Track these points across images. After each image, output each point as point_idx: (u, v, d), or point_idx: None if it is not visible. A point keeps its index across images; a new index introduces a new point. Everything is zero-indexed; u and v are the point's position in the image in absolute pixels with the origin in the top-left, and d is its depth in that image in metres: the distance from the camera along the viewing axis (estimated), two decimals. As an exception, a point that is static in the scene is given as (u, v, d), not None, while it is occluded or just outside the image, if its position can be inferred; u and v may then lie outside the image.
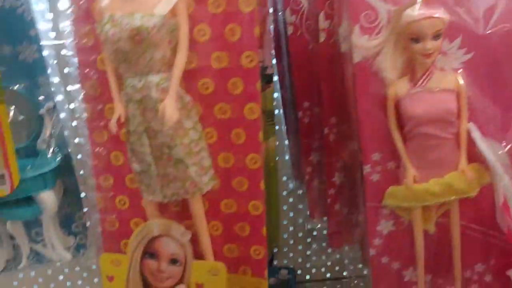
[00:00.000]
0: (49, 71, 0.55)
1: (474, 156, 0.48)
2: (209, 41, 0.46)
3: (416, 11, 0.44)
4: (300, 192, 0.82)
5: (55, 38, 0.54)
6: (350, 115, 0.61)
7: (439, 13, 0.44)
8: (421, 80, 0.47)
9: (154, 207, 0.50)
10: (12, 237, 0.61)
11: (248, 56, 0.46)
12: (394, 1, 0.47)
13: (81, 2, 0.47)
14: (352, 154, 0.62)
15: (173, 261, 0.48)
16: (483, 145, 0.46)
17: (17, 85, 0.54)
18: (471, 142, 0.48)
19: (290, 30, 0.65)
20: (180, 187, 0.47)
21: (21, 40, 0.53)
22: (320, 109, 0.66)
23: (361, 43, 0.48)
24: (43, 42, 0.55)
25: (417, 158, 0.48)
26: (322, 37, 0.60)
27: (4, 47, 0.47)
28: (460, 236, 0.52)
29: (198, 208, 0.48)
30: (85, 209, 0.59)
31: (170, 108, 0.43)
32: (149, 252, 0.49)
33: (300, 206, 0.84)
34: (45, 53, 0.55)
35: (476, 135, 0.47)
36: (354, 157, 0.62)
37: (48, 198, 0.56)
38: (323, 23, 0.59)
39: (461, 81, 0.47)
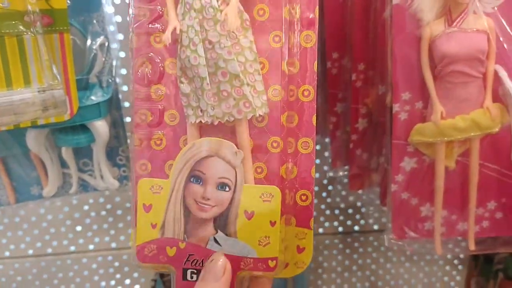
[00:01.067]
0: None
1: (498, 96, 0.52)
2: None
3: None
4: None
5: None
6: (378, 61, 0.64)
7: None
8: (456, 21, 0.50)
9: (198, 134, 0.47)
10: (62, 166, 0.64)
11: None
12: None
13: None
14: (376, 99, 0.66)
15: (222, 185, 0.45)
16: (510, 83, 0.50)
17: (73, 20, 0.56)
18: (496, 83, 0.52)
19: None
20: (233, 106, 0.45)
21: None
22: (349, 57, 0.70)
23: (400, -14, 0.51)
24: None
25: (445, 96, 0.52)
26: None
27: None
28: (477, 174, 0.56)
29: (244, 138, 0.45)
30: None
31: (232, 14, 0.43)
32: (195, 175, 0.45)
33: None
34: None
35: (503, 74, 0.50)
36: (378, 102, 0.66)
37: (101, 127, 0.59)
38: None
39: (492, 25, 0.50)
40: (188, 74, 0.46)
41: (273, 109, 0.45)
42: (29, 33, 0.50)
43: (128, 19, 0.47)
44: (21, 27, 0.49)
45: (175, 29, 0.45)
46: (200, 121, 0.46)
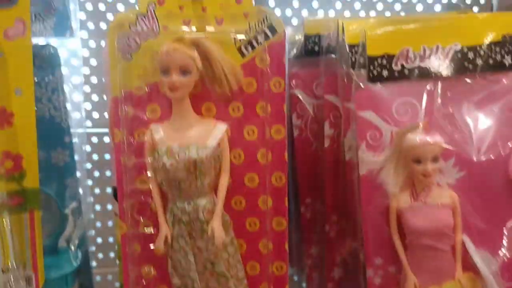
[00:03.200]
0: (78, 174, 0.59)
1: (469, 265, 0.53)
2: (242, 164, 0.51)
3: (418, 136, 0.50)
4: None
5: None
6: (350, 215, 0.65)
7: (437, 138, 0.50)
8: (421, 195, 0.52)
9: None
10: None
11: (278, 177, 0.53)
12: (396, 123, 0.53)
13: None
14: (352, 251, 0.66)
15: None
16: (476, 257, 0.51)
17: (46, 186, 0.57)
18: (465, 253, 0.52)
19: (296, 132, 0.71)
20: None
21: (55, 146, 0.57)
22: (322, 206, 0.70)
23: (367, 159, 0.53)
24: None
25: (417, 267, 0.52)
26: (327, 143, 0.66)
27: (39, 152, 0.50)
28: None
29: None
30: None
31: (218, 230, 0.48)
32: None
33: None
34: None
35: (470, 247, 0.51)
36: (354, 254, 0.65)
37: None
38: (328, 131, 0.65)
39: (456, 197, 0.52)
40: (179, 272, 0.50)
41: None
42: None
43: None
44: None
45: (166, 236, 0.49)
46: None
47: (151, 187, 0.49)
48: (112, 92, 0.50)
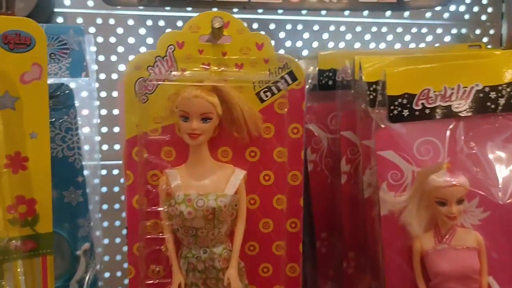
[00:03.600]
0: (91, 208, 0.58)
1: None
2: (257, 209, 0.51)
3: (442, 177, 0.49)
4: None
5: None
6: (369, 252, 0.64)
7: (462, 180, 0.49)
8: (446, 237, 0.50)
9: None
10: None
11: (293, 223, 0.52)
12: (418, 163, 0.52)
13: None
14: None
15: None
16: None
17: (59, 227, 0.55)
18: (492, 296, 0.51)
19: (310, 166, 0.70)
20: None
21: (68, 186, 0.56)
22: (339, 242, 0.69)
23: (388, 199, 0.52)
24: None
25: (442, 310, 0.51)
26: (344, 179, 0.65)
27: (52, 192, 0.49)
28: None
29: None
30: None
31: (235, 279, 0.47)
32: None
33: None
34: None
35: (496, 289, 0.50)
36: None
37: None
38: (345, 167, 0.64)
39: (481, 239, 0.50)
40: None
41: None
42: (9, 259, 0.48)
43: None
44: (0, 254, 0.48)
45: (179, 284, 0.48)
46: None
47: (165, 233, 0.48)
48: (126, 134, 0.49)
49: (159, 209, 0.48)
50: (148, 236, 0.49)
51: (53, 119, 0.53)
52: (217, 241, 0.48)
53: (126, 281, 0.75)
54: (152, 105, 0.48)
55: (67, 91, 0.56)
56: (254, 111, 0.48)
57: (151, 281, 0.49)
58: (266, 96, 0.49)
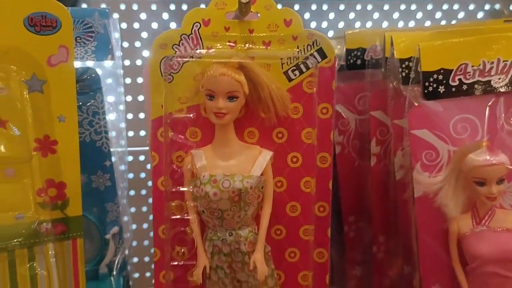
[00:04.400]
0: (119, 193, 0.58)
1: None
2: (284, 192, 0.49)
3: (481, 156, 0.47)
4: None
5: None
6: (401, 236, 0.62)
7: (503, 158, 0.47)
8: (484, 219, 0.48)
9: None
10: None
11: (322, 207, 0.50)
12: (454, 142, 0.50)
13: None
14: (402, 274, 0.63)
15: None
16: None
17: (87, 212, 0.55)
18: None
19: (337, 148, 0.68)
20: None
21: (96, 170, 0.56)
22: (367, 225, 0.68)
23: (422, 180, 0.50)
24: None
25: (480, 295, 0.49)
26: (373, 161, 0.63)
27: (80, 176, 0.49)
28: None
29: None
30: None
31: (261, 264, 0.45)
32: None
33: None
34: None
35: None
36: (406, 278, 0.62)
37: (111, 323, 0.56)
38: (374, 148, 0.63)
39: (520, 221, 0.48)
40: None
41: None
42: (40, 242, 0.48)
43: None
44: (32, 237, 0.48)
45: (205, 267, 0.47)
46: None
47: (190, 215, 0.48)
48: (152, 114, 0.49)
49: (184, 189, 0.47)
50: (173, 217, 0.48)
51: (80, 103, 0.53)
52: (243, 223, 0.47)
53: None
54: (177, 85, 0.47)
55: (93, 75, 0.55)
56: (282, 90, 0.47)
57: (176, 263, 0.49)
58: (295, 74, 0.47)
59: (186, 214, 0.48)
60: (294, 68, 0.47)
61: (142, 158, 0.84)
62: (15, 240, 0.46)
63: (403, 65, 0.53)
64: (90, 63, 0.58)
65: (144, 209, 0.85)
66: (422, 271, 0.51)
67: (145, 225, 0.86)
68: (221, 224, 0.46)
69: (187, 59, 0.46)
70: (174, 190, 0.48)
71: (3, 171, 0.45)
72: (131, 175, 0.84)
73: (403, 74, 0.53)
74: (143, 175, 0.84)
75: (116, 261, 0.58)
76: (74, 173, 0.48)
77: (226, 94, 0.45)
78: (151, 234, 0.81)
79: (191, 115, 0.48)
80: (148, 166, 0.82)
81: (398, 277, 0.64)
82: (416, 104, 0.50)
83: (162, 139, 0.48)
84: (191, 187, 0.47)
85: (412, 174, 0.51)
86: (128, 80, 0.80)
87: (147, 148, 0.78)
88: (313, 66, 0.47)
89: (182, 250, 0.49)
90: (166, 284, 0.49)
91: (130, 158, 0.83)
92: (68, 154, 0.48)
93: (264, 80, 0.45)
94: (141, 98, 0.81)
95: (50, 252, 0.49)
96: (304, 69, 0.47)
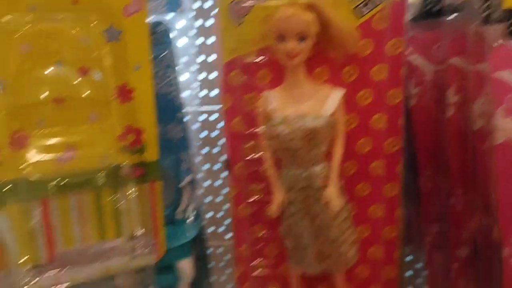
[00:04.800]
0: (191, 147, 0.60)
1: None
2: (355, 129, 0.50)
3: None
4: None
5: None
6: (480, 188, 0.59)
7: None
8: None
9: (300, 279, 0.53)
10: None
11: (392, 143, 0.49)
12: (541, 83, 0.46)
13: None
14: (482, 228, 0.60)
15: None
16: None
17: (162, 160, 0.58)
18: None
19: (413, 101, 0.65)
20: (333, 263, 0.50)
21: (169, 121, 0.59)
22: (445, 179, 0.65)
23: (504, 125, 0.47)
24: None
25: None
26: (451, 111, 0.60)
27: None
28: None
29: (343, 283, 0.51)
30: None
31: (334, 197, 0.46)
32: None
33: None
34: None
35: None
36: (485, 232, 0.59)
37: (187, 267, 0.59)
38: (452, 98, 0.59)
39: None
40: (292, 236, 0.50)
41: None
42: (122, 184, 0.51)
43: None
44: (114, 177, 0.51)
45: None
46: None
47: (264, 154, 0.49)
48: (224, 58, 0.50)
49: (257, 130, 0.48)
50: (248, 158, 0.50)
51: (153, 56, 0.55)
52: (316, 161, 0.47)
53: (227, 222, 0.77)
54: (247, 28, 0.48)
55: (164, 29, 0.57)
56: (352, 28, 0.46)
57: (253, 199, 0.51)
58: (365, 10, 0.46)
59: (260, 153, 0.50)
60: (365, 3, 0.46)
61: (214, 117, 0.86)
62: (100, 176, 0.49)
63: (484, 4, 0.49)
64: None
65: (216, 166, 0.87)
66: (501, 222, 0.49)
67: (217, 182, 0.89)
68: (294, 162, 0.47)
69: (254, 2, 0.46)
70: (247, 132, 0.49)
71: (88, 115, 0.49)
72: (203, 134, 0.87)
73: (484, 13, 0.49)
74: (215, 133, 0.87)
75: (191, 208, 0.61)
76: (150, 120, 0.51)
77: (296, 35, 0.44)
78: (224, 191, 0.84)
79: (261, 58, 0.48)
80: (219, 125, 0.84)
81: (477, 230, 0.61)
82: (498, 44, 0.47)
83: (234, 82, 0.49)
84: (264, 127, 0.48)
85: (494, 121, 0.48)
86: (200, 40, 0.82)
87: (218, 106, 0.80)
88: (384, 0, 0.46)
89: (258, 187, 0.51)
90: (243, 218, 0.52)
91: (202, 117, 0.86)
92: (144, 101, 0.51)
93: (333, 18, 0.44)
94: (212, 57, 0.82)
95: (131, 194, 0.52)
96: (375, 4, 0.46)
